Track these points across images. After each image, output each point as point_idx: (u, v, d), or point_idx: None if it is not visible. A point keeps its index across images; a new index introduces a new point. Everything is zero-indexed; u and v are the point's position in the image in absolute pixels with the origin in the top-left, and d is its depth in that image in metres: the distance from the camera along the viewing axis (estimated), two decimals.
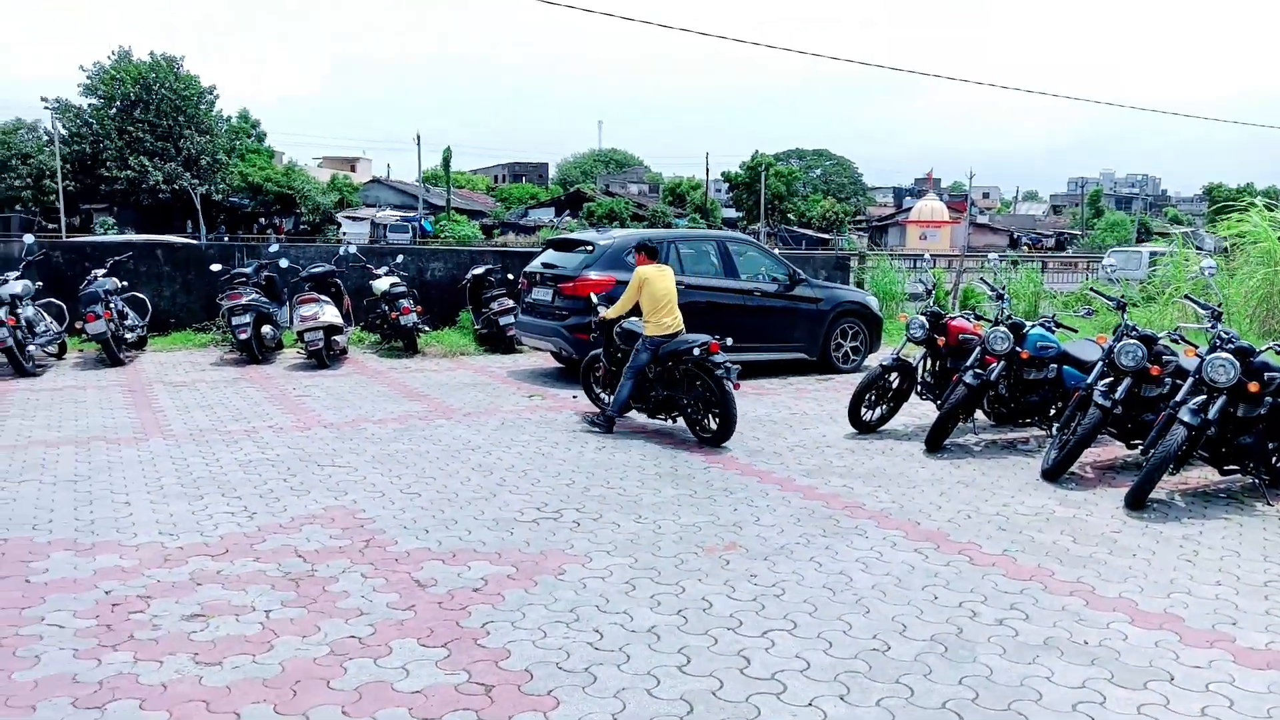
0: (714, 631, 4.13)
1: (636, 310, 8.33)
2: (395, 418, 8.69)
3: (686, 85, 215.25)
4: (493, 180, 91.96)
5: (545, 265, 11.33)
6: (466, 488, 6.37)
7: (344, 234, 52.53)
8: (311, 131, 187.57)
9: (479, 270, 14.06)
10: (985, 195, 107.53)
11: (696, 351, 7.72)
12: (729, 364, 7.68)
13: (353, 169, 77.55)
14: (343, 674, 3.68)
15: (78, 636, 3.99)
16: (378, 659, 3.81)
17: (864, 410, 8.26)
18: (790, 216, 73.22)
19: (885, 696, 3.59)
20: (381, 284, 12.89)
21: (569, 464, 7.05)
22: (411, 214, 59.25)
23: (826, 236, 68.35)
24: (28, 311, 10.98)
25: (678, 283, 10.85)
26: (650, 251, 8.57)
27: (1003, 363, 7.73)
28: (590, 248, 11.02)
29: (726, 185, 76.89)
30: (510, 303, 13.03)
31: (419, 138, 69.82)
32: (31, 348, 10.87)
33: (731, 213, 76.07)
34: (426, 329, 13.28)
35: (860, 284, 17.46)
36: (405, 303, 12.56)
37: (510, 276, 13.92)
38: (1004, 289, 8.73)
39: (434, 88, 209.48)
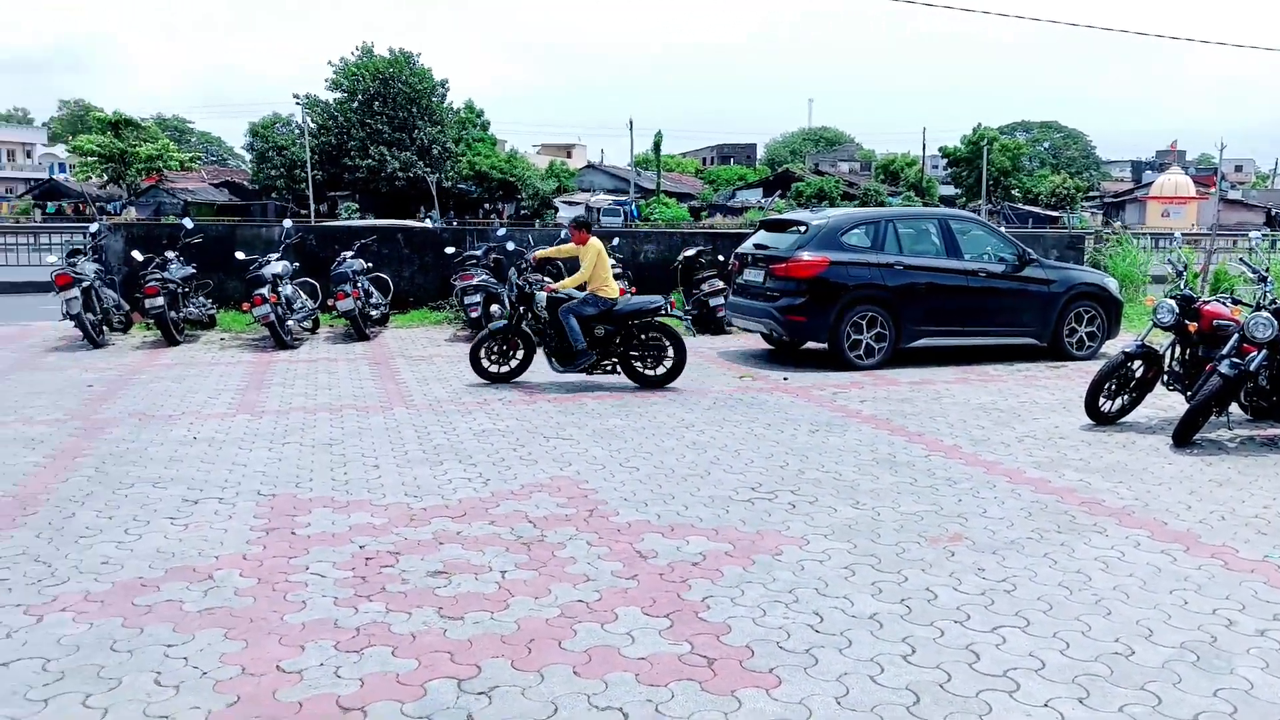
0: (940, 623, 4.02)
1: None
2: (612, 394, 8.95)
3: (902, 58, 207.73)
4: (701, 162, 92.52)
5: (757, 246, 11.31)
6: (682, 464, 6.49)
7: (560, 218, 54.47)
8: (530, 119, 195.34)
9: (690, 252, 14.22)
10: (1237, 169, 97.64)
11: (662, 310, 9.32)
12: (687, 310, 9.97)
13: (569, 155, 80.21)
14: (573, 636, 3.86)
15: (337, 585, 4.39)
16: (604, 624, 3.97)
17: (1103, 400, 7.74)
18: (1014, 193, 69.37)
19: (1129, 703, 3.38)
20: None
21: (782, 446, 7.03)
22: (623, 198, 60.61)
23: (1055, 214, 64.23)
24: (287, 290, 12.09)
25: (895, 263, 10.65)
26: (586, 226, 9.82)
27: (1264, 352, 7.03)
28: (803, 228, 10.89)
29: (945, 161, 73.71)
30: (721, 284, 13.11)
31: (631, 123, 71.33)
32: (290, 323, 11.97)
33: (949, 190, 72.92)
34: None
35: (1096, 265, 16.31)
36: (620, 284, 12.86)
37: (721, 258, 13.99)
38: (1267, 271, 7.92)
39: (647, 73, 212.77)
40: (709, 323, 13.34)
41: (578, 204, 58.90)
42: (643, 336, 9.35)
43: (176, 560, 4.68)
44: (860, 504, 5.64)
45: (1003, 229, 14.34)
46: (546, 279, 9.98)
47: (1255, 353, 7.03)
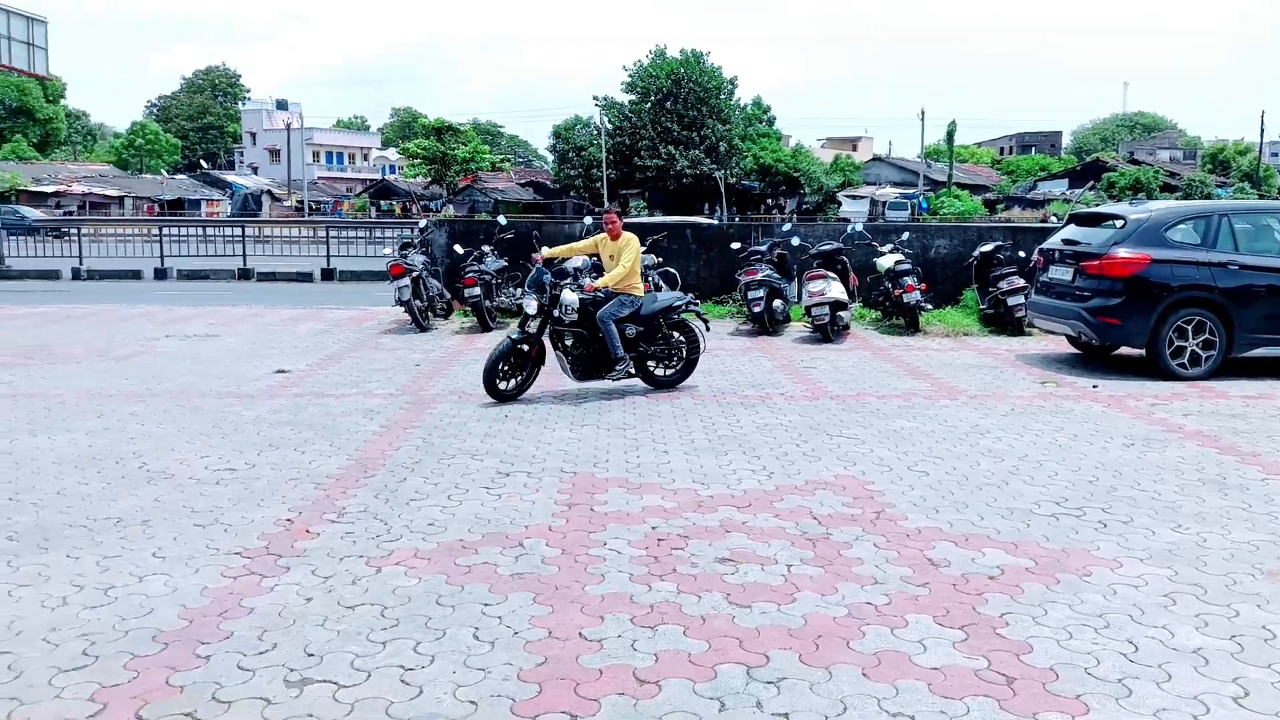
0: (1278, 666, 3.59)
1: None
2: (899, 394, 8.72)
3: (1234, 34, 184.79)
4: (998, 152, 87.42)
5: (1066, 241, 10.54)
6: (976, 472, 6.20)
7: (844, 213, 53.58)
8: (816, 114, 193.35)
9: (987, 248, 13.50)
10: None
11: (688, 306, 9.03)
12: (697, 307, 9.25)
13: (854, 148, 78.62)
14: (861, 637, 3.82)
15: (632, 563, 4.61)
16: (894, 629, 3.89)
17: None
18: None
19: None
20: (886, 261, 12.95)
21: (1091, 459, 6.53)
22: (911, 191, 58.57)
23: None
24: (585, 282, 12.79)
25: (1229, 263, 9.52)
26: (621, 215, 9.40)
27: None
28: (1120, 222, 10.01)
29: None
30: (1021, 282, 12.35)
31: (923, 113, 68.33)
32: None
33: None
34: (929, 307, 13.08)
35: None
36: (909, 280, 12.49)
37: (1022, 254, 13.18)
38: None
39: (941, 61, 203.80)
40: (1005, 322, 12.62)
41: (862, 198, 57.65)
42: (667, 335, 8.92)
43: (491, 526, 5.12)
44: (1183, 528, 5.13)
45: None
46: (584, 279, 9.27)
47: None
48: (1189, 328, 9.43)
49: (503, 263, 13.60)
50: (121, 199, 60.40)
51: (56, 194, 57.37)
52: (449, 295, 13.92)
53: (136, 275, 21.93)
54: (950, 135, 62.89)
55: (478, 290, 12.46)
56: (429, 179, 65.29)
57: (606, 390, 8.90)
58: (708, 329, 9.22)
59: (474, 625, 3.93)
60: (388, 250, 14.99)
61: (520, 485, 5.86)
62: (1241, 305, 9.42)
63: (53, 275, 21.63)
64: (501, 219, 15.18)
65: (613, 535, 4.99)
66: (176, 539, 4.89)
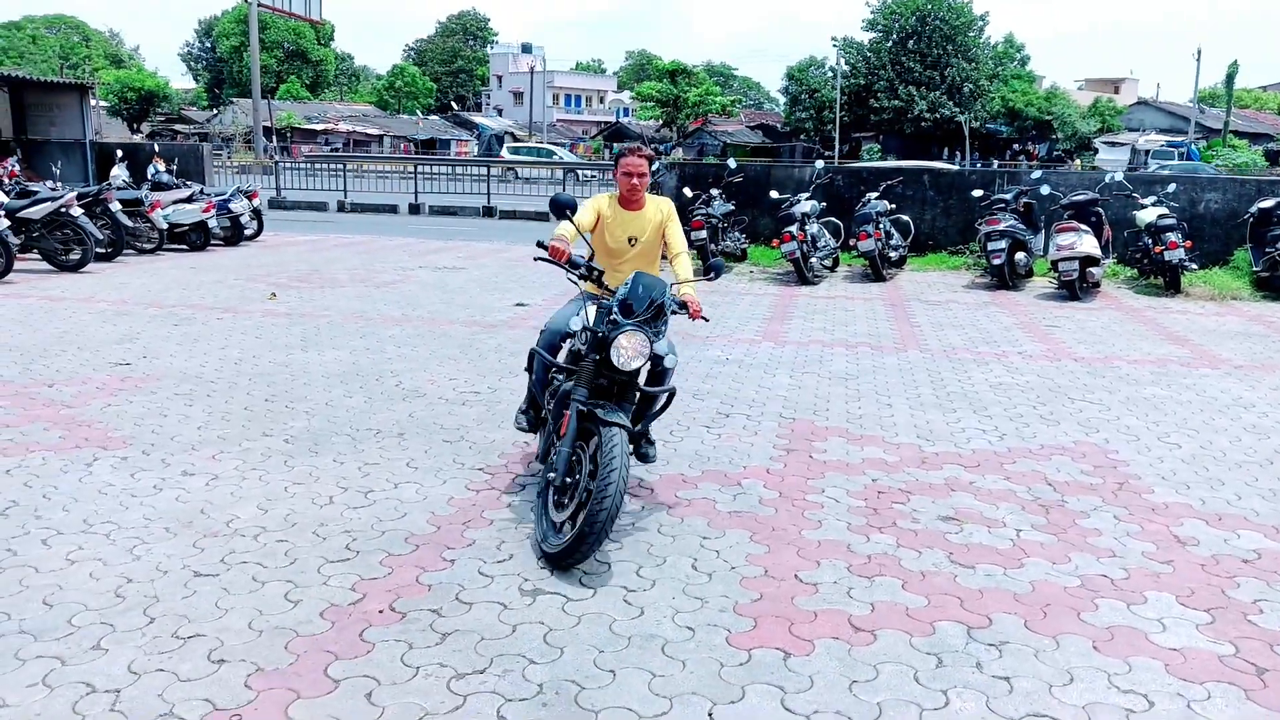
0: None
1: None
2: (1152, 360, 8.08)
3: None
4: None
5: None
6: (1236, 448, 5.69)
7: (1100, 160, 49.49)
8: (1076, 50, 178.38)
9: (1266, 203, 12.10)
10: None
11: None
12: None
13: (1116, 91, 72.05)
14: (1094, 610, 3.64)
15: (850, 512, 4.60)
16: (1131, 604, 3.69)
17: None
18: None
19: None
20: (1147, 215, 11.91)
21: None
22: (1180, 139, 53.16)
23: None
24: (813, 228, 12.61)
25: None
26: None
27: None
28: None
29: None
30: None
31: (1199, 52, 61.25)
32: (813, 260, 12.50)
33: None
34: (1193, 266, 11.93)
35: None
36: (1172, 236, 11.44)
37: None
38: None
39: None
40: None
41: (1122, 145, 52.92)
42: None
43: (710, 464, 5.25)
44: None
45: None
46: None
47: None
48: None
49: (730, 206, 13.61)
50: (381, 138, 65.03)
51: (324, 131, 62.49)
52: None
53: (393, 210, 23.64)
54: (1230, 77, 56.24)
55: (704, 233, 12.55)
56: (661, 122, 65.89)
57: (830, 338, 8.79)
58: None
59: (693, 556, 4.07)
60: None
61: (739, 427, 5.95)
62: None
63: (320, 207, 23.71)
64: (731, 162, 15.15)
65: (831, 484, 4.99)
66: (427, 452, 5.35)
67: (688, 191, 14.06)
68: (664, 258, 4.93)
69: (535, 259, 4.36)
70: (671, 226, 4.77)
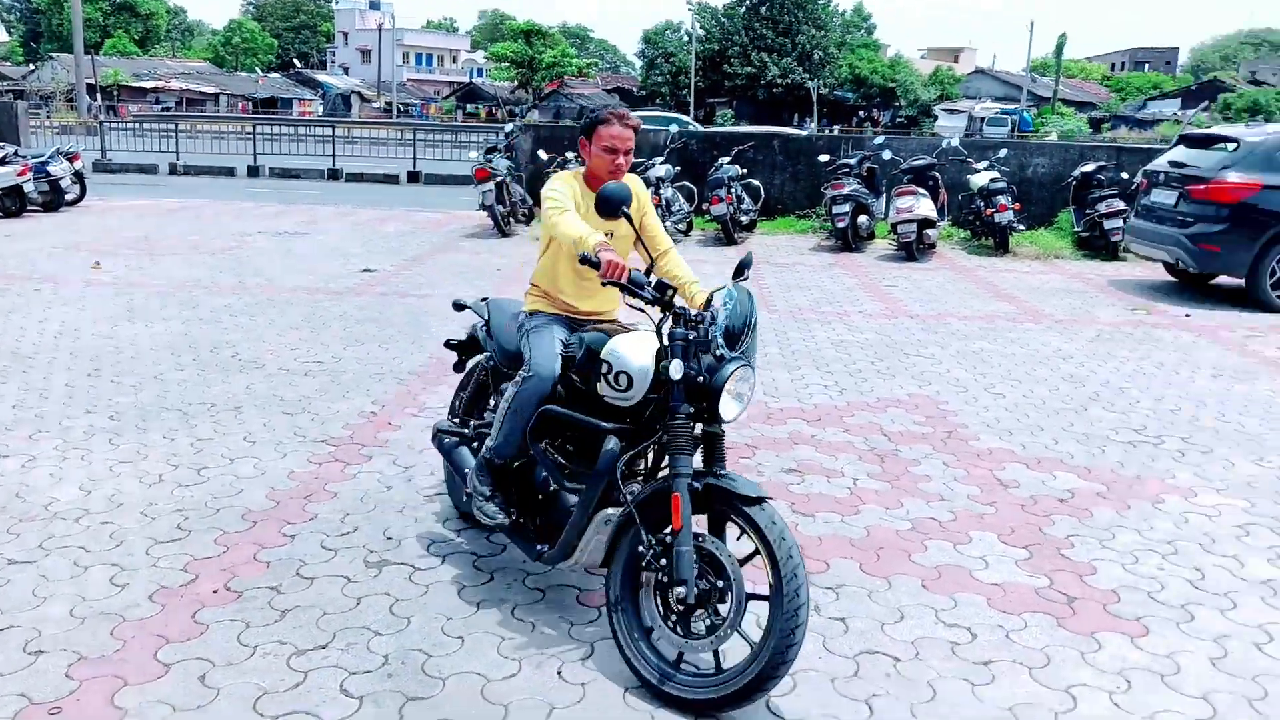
0: None
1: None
2: (981, 316, 8.54)
3: None
4: (1109, 69, 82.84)
5: (1172, 164, 10.05)
6: (1055, 396, 6.09)
7: (940, 127, 51.69)
8: (920, 22, 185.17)
9: (1088, 168, 12.91)
10: None
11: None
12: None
13: (955, 60, 75.31)
14: (923, 551, 3.85)
15: None
16: (957, 544, 3.92)
17: None
18: None
19: None
20: (979, 179, 12.53)
21: (1175, 388, 6.35)
22: (1013, 106, 56.09)
23: None
24: (667, 193, 12.71)
25: None
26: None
27: None
28: (1233, 145, 9.49)
29: None
30: (1120, 204, 11.83)
31: (1032, 24, 64.95)
32: (667, 224, 12.60)
33: None
34: (1020, 227, 12.65)
35: None
36: (1002, 199, 12.08)
37: (1124, 176, 12.60)
38: None
39: None
40: (1099, 246, 12.18)
41: (960, 112, 55.47)
42: None
43: None
44: (1265, 461, 4.99)
45: None
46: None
47: None
48: None
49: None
50: (217, 96, 61.60)
51: (155, 90, 58.74)
52: (532, 201, 13.98)
53: (230, 172, 22.48)
54: (1059, 48, 59.72)
55: None
56: (516, 83, 64.90)
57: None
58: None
59: None
60: (473, 154, 15.05)
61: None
62: None
63: (150, 170, 22.31)
64: None
65: None
66: (266, 425, 5.15)
67: (544, 154, 13.92)
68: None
69: (604, 278, 2.99)
70: (651, 215, 3.50)
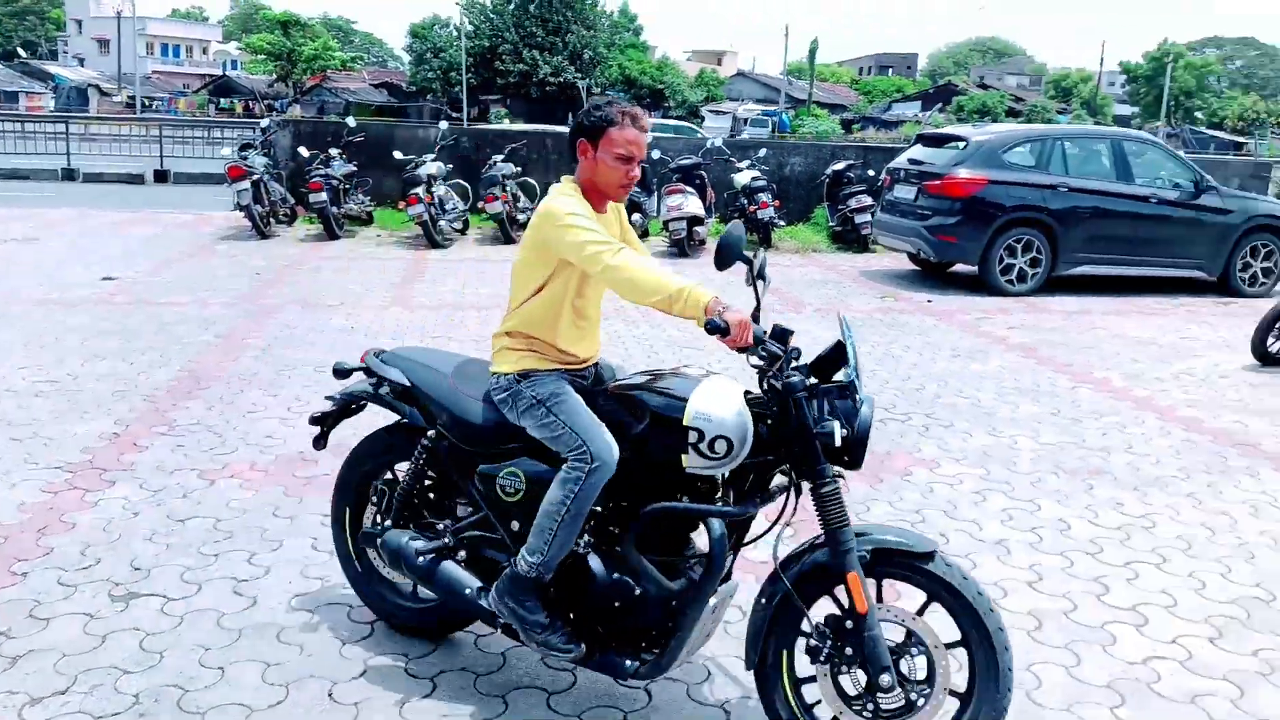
0: (1070, 554, 3.95)
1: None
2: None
3: None
4: (857, 72, 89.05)
5: (911, 161, 10.92)
6: None
7: (706, 128, 53.67)
8: (685, 25, 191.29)
9: (838, 166, 13.83)
10: None
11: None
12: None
13: (719, 63, 78.50)
14: None
15: None
16: None
17: (1272, 340, 7.24)
18: (1198, 115, 64.13)
19: (1265, 648, 3.27)
20: (742, 177, 13.10)
21: (920, 369, 6.91)
22: (773, 108, 59.13)
23: (1241, 140, 59.10)
24: (440, 191, 12.46)
25: (1059, 185, 10.09)
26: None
27: None
28: (963, 144, 10.44)
29: (1124, 78, 68.66)
30: (869, 200, 12.75)
31: (787, 29, 68.99)
32: (442, 223, 12.36)
33: (1125, 109, 68.02)
34: (781, 223, 13.35)
35: None
36: (764, 197, 12.69)
37: (871, 173, 13.58)
38: None
39: None
40: (853, 239, 13.05)
41: (725, 113, 57.86)
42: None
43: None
44: (997, 431, 5.52)
45: (1181, 154, 13.34)
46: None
47: None
48: (1019, 246, 9.99)
49: (351, 167, 13.06)
50: None
51: None
52: (293, 200, 13.31)
53: None
54: (812, 54, 63.54)
55: (324, 196, 11.94)
56: (274, 76, 61.57)
57: (462, 301, 8.77)
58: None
59: (313, 537, 3.89)
60: (227, 151, 14.16)
61: None
62: (1068, 226, 10.02)
63: None
64: (351, 120, 14.52)
65: None
66: None
67: (304, 151, 13.28)
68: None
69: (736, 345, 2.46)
70: (631, 233, 3.02)
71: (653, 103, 60.21)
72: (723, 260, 2.60)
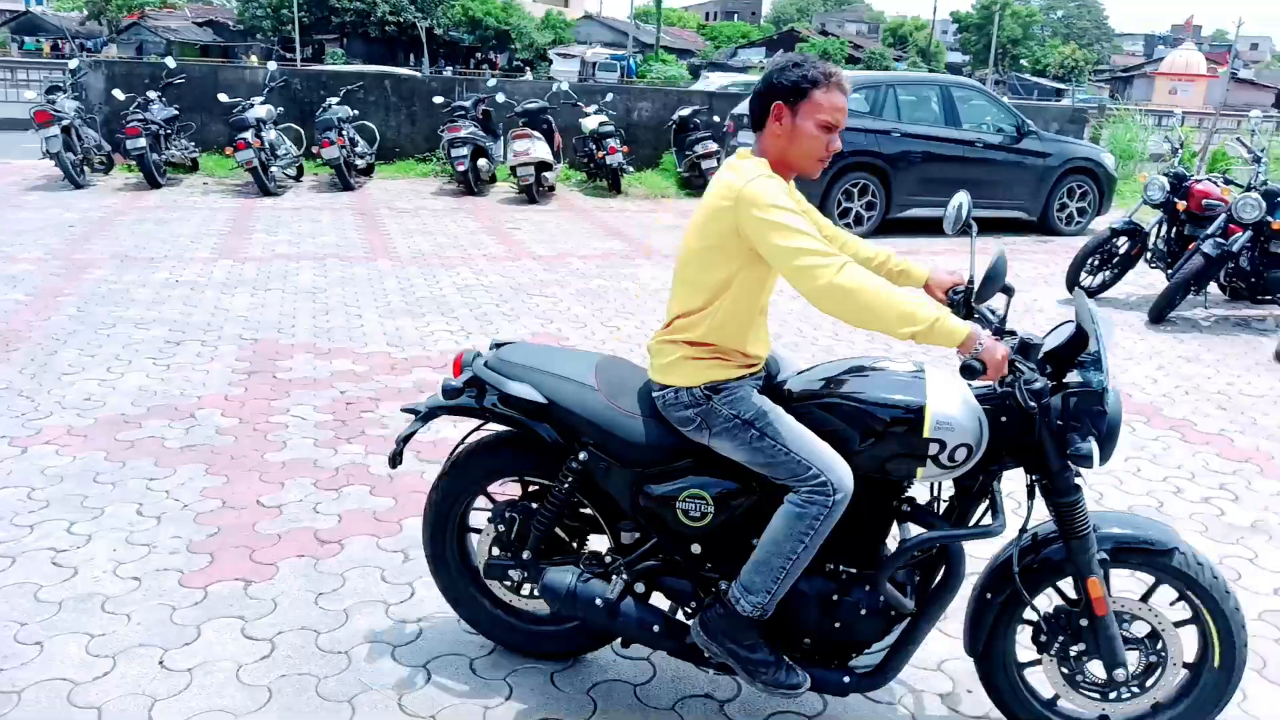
0: None
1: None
2: (598, 254, 8.94)
3: None
4: (704, 17, 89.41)
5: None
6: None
7: (554, 71, 52.87)
8: None
9: (685, 111, 13.90)
10: (1253, 46, 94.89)
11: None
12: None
13: (566, 4, 77.22)
14: None
15: (318, 429, 4.49)
16: None
17: (1084, 275, 7.77)
18: (1023, 63, 67.57)
19: None
20: (590, 122, 13.00)
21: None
22: (621, 52, 58.73)
23: (1062, 86, 62.77)
24: (270, 135, 11.84)
25: (892, 130, 10.46)
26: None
27: (1249, 232, 7.04)
28: None
29: (955, 26, 71.48)
30: (715, 146, 12.87)
31: None
32: (274, 169, 11.78)
33: (957, 57, 70.97)
34: (631, 169, 13.36)
35: (1096, 140, 16.07)
36: (612, 142, 12.64)
37: (716, 119, 13.71)
38: (1263, 152, 7.84)
39: None
40: (701, 185, 13.19)
41: (573, 57, 57.12)
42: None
43: (159, 399, 4.76)
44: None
45: (1006, 99, 14.04)
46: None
47: (1240, 233, 7.03)
48: (855, 190, 10.33)
49: (172, 111, 12.24)
50: None
51: None
52: (109, 147, 12.39)
53: None
54: None
55: (142, 141, 11.15)
56: (85, 14, 56.77)
57: (296, 251, 8.41)
58: None
59: (137, 502, 3.69)
60: (31, 94, 13.00)
61: (193, 355, 5.46)
62: (901, 170, 10.42)
63: None
64: (170, 61, 13.55)
65: (297, 402, 4.81)
66: None
67: (119, 94, 12.35)
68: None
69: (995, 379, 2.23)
70: (816, 214, 2.72)
71: (499, 44, 58.83)
72: (987, 292, 2.31)
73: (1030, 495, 2.36)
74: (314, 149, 12.32)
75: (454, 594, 2.83)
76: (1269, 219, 6.95)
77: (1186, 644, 2.43)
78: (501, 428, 2.68)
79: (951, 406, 2.26)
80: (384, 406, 4.79)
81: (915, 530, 2.50)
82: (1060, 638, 2.42)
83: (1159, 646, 2.43)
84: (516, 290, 7.37)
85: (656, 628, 2.52)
